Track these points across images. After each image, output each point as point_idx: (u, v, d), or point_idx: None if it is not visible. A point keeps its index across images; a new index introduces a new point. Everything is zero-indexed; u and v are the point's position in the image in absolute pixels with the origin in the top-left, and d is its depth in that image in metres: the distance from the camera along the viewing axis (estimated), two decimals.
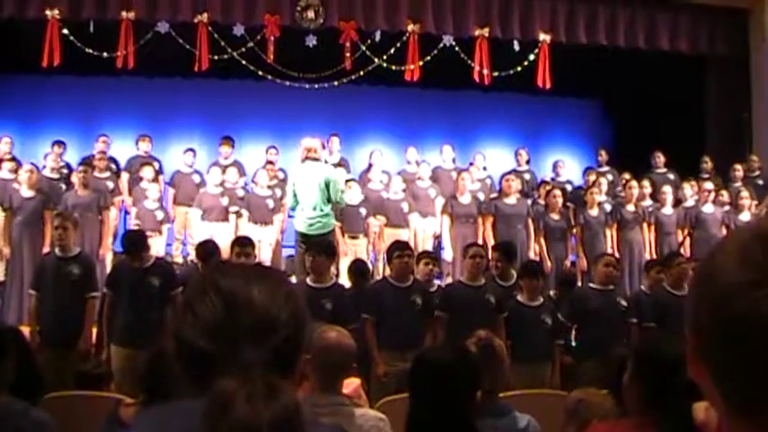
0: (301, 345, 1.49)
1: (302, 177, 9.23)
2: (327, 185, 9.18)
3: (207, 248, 8.14)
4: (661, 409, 2.19)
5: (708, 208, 11.37)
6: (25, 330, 7.08)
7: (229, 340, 1.40)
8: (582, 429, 3.33)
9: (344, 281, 9.70)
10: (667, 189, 11.61)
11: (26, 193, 9.81)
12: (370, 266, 10.06)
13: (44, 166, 11.28)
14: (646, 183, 11.84)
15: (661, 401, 2.28)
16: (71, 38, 11.89)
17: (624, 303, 7.89)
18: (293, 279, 9.34)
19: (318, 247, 7.73)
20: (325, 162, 10.46)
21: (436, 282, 9.11)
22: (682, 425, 1.86)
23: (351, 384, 4.68)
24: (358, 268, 8.71)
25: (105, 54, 12.15)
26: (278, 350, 1.42)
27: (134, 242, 7.73)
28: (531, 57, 13.00)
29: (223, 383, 1.27)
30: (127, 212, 11.72)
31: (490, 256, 8.49)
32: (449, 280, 10.37)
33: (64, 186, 11.01)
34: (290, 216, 10.75)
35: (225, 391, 1.26)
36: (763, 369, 0.95)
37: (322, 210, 9.20)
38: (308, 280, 7.43)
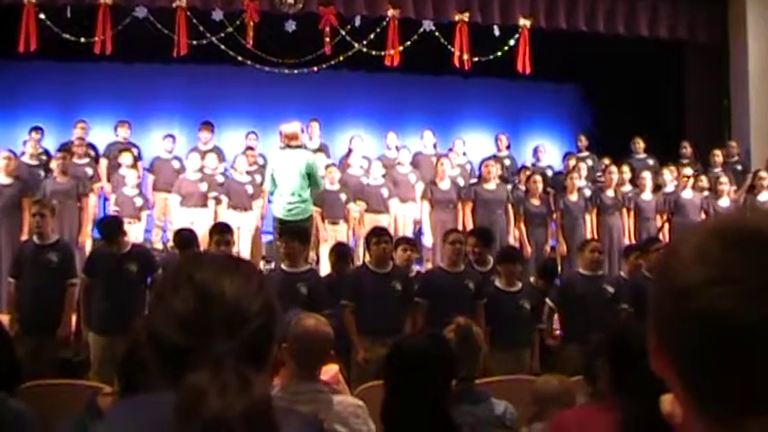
0: (274, 335, 1.49)
1: (282, 163, 9.19)
2: (309, 172, 9.16)
3: (183, 237, 8.11)
4: (628, 395, 2.20)
5: (687, 193, 11.40)
6: (4, 318, 7.07)
7: (201, 333, 1.39)
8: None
9: (325, 267, 9.73)
10: (646, 174, 11.64)
11: (3, 180, 9.72)
12: None
13: (23, 153, 11.18)
14: (625, 168, 11.87)
15: (629, 386, 2.30)
16: (48, 23, 11.79)
17: (611, 290, 7.90)
18: (272, 265, 9.34)
19: (291, 232, 7.74)
20: (305, 148, 10.42)
21: (416, 267, 9.13)
22: (648, 411, 1.87)
23: (329, 371, 4.69)
24: (339, 251, 8.70)
25: (83, 39, 12.05)
26: (250, 341, 1.41)
27: (110, 228, 7.70)
28: (512, 42, 13.00)
29: (195, 377, 1.26)
30: (106, 199, 11.65)
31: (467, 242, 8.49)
32: (428, 266, 10.39)
33: (43, 173, 10.92)
34: (269, 202, 10.73)
35: (197, 384, 1.25)
36: (721, 364, 0.96)
37: (300, 195, 9.17)
38: (283, 265, 7.45)
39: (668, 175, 11.82)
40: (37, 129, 12.02)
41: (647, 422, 1.79)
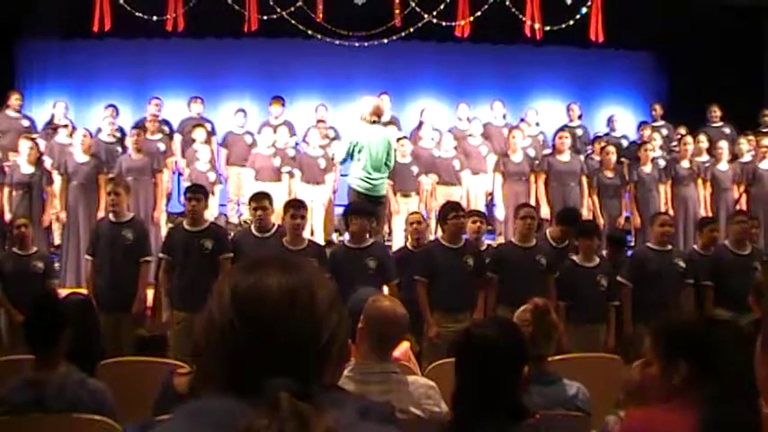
0: (335, 352, 1.39)
1: (371, 139, 8.99)
2: (389, 149, 9.12)
3: (258, 198, 8.04)
4: (712, 397, 2.10)
5: (765, 164, 11.06)
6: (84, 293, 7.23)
7: (254, 370, 1.31)
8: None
9: (398, 240, 9.77)
10: (723, 144, 11.32)
11: (81, 158, 9.91)
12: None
13: (98, 131, 11.37)
14: (702, 137, 11.59)
15: (713, 388, 2.16)
16: (121, 2, 11.95)
17: (682, 264, 7.73)
18: (346, 237, 9.35)
19: (362, 211, 7.74)
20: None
21: (488, 240, 9.07)
22: (734, 416, 1.80)
23: (400, 347, 4.70)
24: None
25: (155, 17, 12.20)
26: (310, 375, 1.33)
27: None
28: (584, 10, 12.79)
29: (249, 422, 1.19)
30: (180, 174, 11.80)
31: (552, 227, 8.42)
32: (501, 239, 10.34)
33: (120, 150, 11.10)
34: (343, 175, 10.75)
35: (253, 429, 1.19)
36: None
37: (384, 172, 9.13)
38: (349, 242, 7.53)
39: (746, 144, 11.48)
40: (111, 107, 12.20)
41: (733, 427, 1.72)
